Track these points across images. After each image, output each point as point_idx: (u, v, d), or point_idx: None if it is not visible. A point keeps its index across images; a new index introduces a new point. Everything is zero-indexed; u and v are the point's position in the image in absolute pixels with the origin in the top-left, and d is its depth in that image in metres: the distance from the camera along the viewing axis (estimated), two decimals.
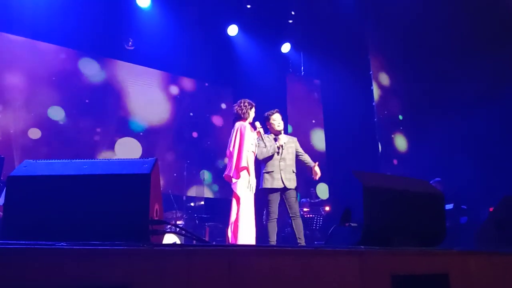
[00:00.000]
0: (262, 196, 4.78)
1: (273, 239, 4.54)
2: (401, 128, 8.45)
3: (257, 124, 4.76)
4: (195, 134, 8.66)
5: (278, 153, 4.70)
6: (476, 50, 6.99)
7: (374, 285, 1.93)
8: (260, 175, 4.73)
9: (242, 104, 4.74)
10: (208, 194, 8.17)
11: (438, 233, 2.54)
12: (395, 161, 8.14)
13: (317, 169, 4.77)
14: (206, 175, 7.45)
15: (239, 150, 4.52)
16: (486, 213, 5.90)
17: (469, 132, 7.02)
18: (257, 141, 4.73)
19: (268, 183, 4.64)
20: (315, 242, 6.32)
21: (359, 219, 2.31)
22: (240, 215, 4.40)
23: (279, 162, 4.69)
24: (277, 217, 4.61)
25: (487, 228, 3.26)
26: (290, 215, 4.62)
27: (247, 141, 4.53)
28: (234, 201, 4.50)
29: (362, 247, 2.04)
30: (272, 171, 4.66)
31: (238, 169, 4.46)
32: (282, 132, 4.84)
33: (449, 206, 6.25)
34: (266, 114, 4.92)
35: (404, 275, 2.05)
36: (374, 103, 8.16)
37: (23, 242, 1.25)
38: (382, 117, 8.24)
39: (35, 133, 6.91)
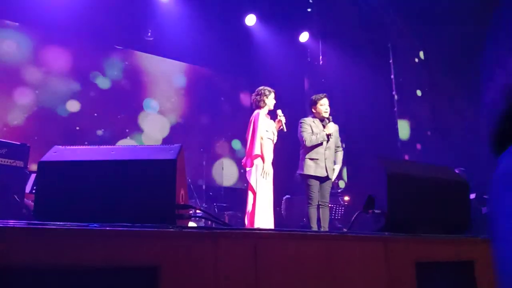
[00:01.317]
0: (301, 181, 4.75)
1: (314, 225, 4.50)
2: (423, 115, 8.33)
3: (279, 112, 4.71)
4: (213, 124, 8.70)
5: (326, 141, 4.64)
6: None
7: (399, 271, 1.93)
8: (302, 160, 4.66)
9: (258, 93, 4.76)
10: (227, 183, 8.23)
11: (463, 222, 2.50)
12: (418, 146, 8.05)
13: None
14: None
15: (252, 138, 4.55)
16: None
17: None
18: (301, 126, 4.66)
19: (311, 170, 4.56)
20: None
21: (382, 207, 2.30)
22: (257, 204, 4.41)
23: (325, 150, 4.62)
24: (318, 203, 4.56)
25: None
26: (320, 202, 4.58)
27: (261, 128, 4.53)
28: (249, 190, 4.54)
29: (386, 233, 2.04)
30: (317, 159, 4.58)
31: (251, 157, 4.50)
32: (331, 119, 4.73)
33: (471, 196, 6.15)
34: (313, 98, 4.80)
35: (429, 262, 2.04)
36: (394, 92, 8.06)
37: (58, 223, 1.29)
38: (402, 104, 8.13)
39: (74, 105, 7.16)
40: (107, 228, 1.29)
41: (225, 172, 7.94)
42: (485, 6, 6.79)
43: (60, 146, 1.92)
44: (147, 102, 8.12)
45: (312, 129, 4.65)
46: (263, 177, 4.45)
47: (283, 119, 4.68)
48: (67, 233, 1.25)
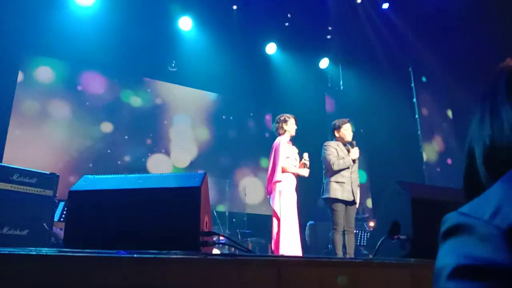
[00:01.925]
0: (325, 206, 4.71)
1: (339, 252, 4.42)
2: (447, 137, 8.21)
3: (305, 156, 4.70)
4: (236, 152, 8.78)
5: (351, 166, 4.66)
6: None
7: None
8: (327, 184, 4.63)
9: (277, 120, 4.82)
10: (250, 209, 8.22)
11: None
12: (449, 160, 7.93)
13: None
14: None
15: (273, 166, 4.58)
16: None
17: None
18: (327, 149, 4.68)
19: (338, 193, 4.51)
20: None
21: (408, 232, 2.27)
22: (281, 230, 4.39)
23: (351, 174, 4.61)
24: (343, 229, 4.49)
25: None
26: (346, 228, 4.50)
27: (283, 155, 4.56)
28: (274, 217, 4.53)
29: (412, 259, 2.00)
30: (344, 182, 4.55)
31: (273, 183, 4.51)
32: (355, 144, 4.74)
33: None
34: (337, 122, 4.81)
35: None
36: (417, 116, 7.99)
37: (87, 250, 1.33)
38: (426, 128, 8.05)
39: (106, 128, 7.31)
40: (135, 256, 1.32)
41: (248, 198, 7.94)
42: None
43: (89, 176, 2.00)
44: (174, 129, 8.28)
45: (338, 152, 4.65)
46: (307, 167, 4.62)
47: (307, 163, 4.68)
48: (96, 261, 1.29)
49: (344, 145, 4.75)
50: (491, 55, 7.11)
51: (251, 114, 9.27)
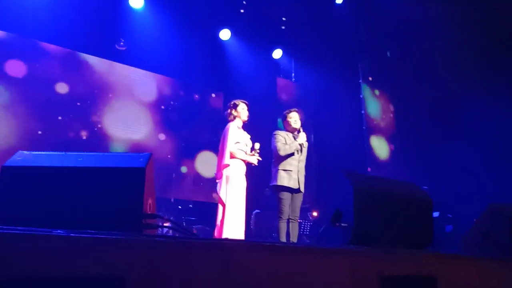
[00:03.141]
0: (272, 194, 4.75)
1: (283, 239, 4.47)
2: (389, 133, 8.58)
3: (256, 146, 4.69)
4: (183, 136, 8.62)
5: (299, 152, 4.68)
6: (471, 60, 7.10)
7: (363, 285, 1.96)
8: (275, 172, 4.66)
9: (227, 106, 4.80)
10: (196, 197, 8.16)
11: (425, 237, 2.58)
12: (391, 146, 8.31)
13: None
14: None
15: (221, 151, 4.55)
16: (471, 221, 5.97)
17: (456, 142, 7.13)
18: (275, 137, 4.70)
19: (284, 181, 4.56)
20: None
21: (349, 221, 2.34)
22: (226, 217, 4.36)
23: (298, 163, 4.67)
24: (288, 217, 4.56)
25: (472, 236, 3.32)
26: (290, 217, 4.58)
27: (231, 140, 4.53)
28: (219, 203, 4.50)
29: (352, 247, 2.07)
30: (291, 170, 4.60)
31: (220, 167, 4.49)
32: (301, 130, 4.81)
33: (435, 214, 6.32)
34: (284, 112, 4.95)
35: (392, 276, 2.09)
36: (363, 111, 8.26)
37: (21, 228, 1.25)
38: (369, 122, 8.35)
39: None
40: (71, 235, 1.26)
41: (196, 184, 7.87)
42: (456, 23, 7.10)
43: (25, 151, 1.88)
44: (117, 111, 7.97)
45: (286, 141, 4.71)
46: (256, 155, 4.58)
47: (257, 155, 4.67)
48: (29, 239, 1.21)
49: (293, 132, 4.83)
50: (436, 56, 7.49)
51: (201, 96, 9.13)
